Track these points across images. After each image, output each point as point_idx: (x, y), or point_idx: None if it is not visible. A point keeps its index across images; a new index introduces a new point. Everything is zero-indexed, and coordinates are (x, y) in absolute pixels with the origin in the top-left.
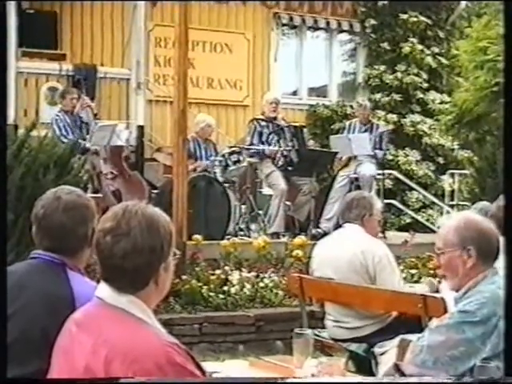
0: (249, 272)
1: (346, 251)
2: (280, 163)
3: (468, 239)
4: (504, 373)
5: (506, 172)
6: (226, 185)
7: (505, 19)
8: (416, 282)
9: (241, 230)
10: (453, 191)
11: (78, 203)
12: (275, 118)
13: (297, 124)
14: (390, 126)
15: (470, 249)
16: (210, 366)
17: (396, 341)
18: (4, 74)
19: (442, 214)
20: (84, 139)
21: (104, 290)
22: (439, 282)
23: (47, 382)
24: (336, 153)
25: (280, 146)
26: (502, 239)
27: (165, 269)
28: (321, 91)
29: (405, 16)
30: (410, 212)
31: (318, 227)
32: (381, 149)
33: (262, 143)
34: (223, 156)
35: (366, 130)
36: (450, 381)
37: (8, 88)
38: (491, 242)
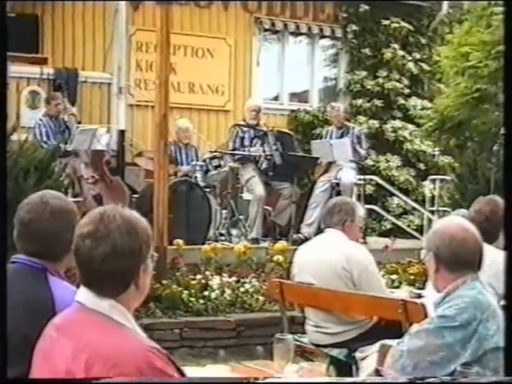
0: (229, 277)
1: (327, 256)
2: (264, 166)
3: (432, 245)
4: (504, 373)
5: (506, 172)
6: (207, 189)
7: (505, 19)
8: (396, 287)
9: (221, 234)
10: (433, 197)
11: (64, 208)
12: (257, 125)
13: (285, 130)
14: (364, 126)
15: (430, 255)
16: (190, 370)
17: (377, 346)
18: (4, 75)
19: (422, 219)
20: (65, 143)
21: (84, 295)
22: (419, 289)
23: (47, 381)
24: (317, 158)
25: (264, 151)
26: (484, 247)
27: (144, 271)
28: (302, 96)
29: (386, 22)
30: (391, 218)
31: (299, 232)
32: (361, 148)
33: (244, 148)
34: (204, 161)
35: (342, 134)
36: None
37: None
38: (455, 251)
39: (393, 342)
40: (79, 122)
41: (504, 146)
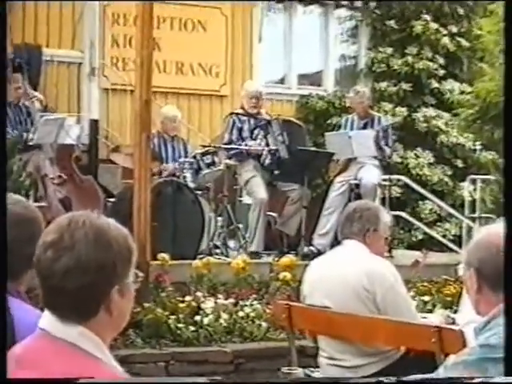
0: (226, 299)
1: (345, 273)
2: (267, 163)
3: (473, 259)
4: (504, 373)
5: (506, 172)
6: (199, 192)
7: (505, 19)
8: (429, 311)
9: (216, 247)
10: (474, 201)
11: (26, 217)
12: (258, 113)
13: (293, 119)
14: (396, 119)
15: (471, 271)
16: None
17: None
18: (4, 72)
19: (460, 228)
20: (27, 136)
21: (48, 320)
22: (455, 313)
23: (47, 381)
24: (333, 154)
25: (268, 144)
26: None
27: (120, 293)
28: (314, 79)
29: None
30: (423, 226)
31: (311, 244)
32: (387, 145)
33: (243, 141)
34: (195, 157)
35: (365, 125)
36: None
37: None
38: (501, 267)
39: None
40: (46, 107)
41: (504, 146)
